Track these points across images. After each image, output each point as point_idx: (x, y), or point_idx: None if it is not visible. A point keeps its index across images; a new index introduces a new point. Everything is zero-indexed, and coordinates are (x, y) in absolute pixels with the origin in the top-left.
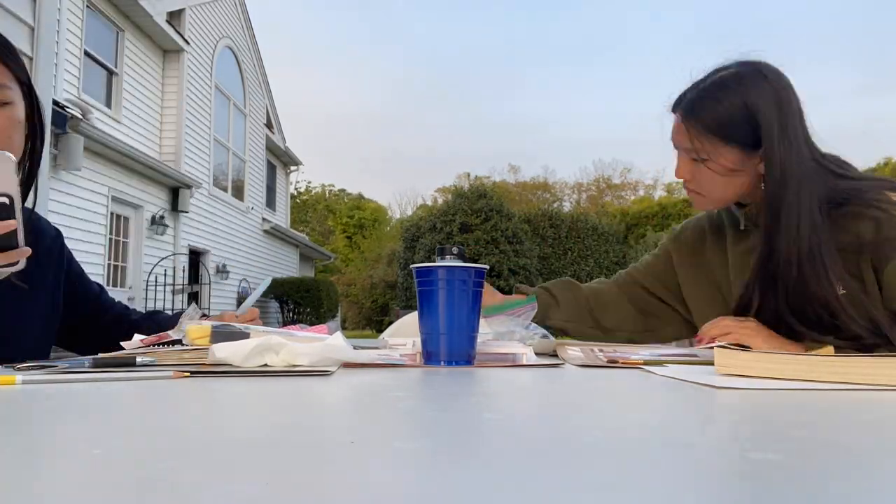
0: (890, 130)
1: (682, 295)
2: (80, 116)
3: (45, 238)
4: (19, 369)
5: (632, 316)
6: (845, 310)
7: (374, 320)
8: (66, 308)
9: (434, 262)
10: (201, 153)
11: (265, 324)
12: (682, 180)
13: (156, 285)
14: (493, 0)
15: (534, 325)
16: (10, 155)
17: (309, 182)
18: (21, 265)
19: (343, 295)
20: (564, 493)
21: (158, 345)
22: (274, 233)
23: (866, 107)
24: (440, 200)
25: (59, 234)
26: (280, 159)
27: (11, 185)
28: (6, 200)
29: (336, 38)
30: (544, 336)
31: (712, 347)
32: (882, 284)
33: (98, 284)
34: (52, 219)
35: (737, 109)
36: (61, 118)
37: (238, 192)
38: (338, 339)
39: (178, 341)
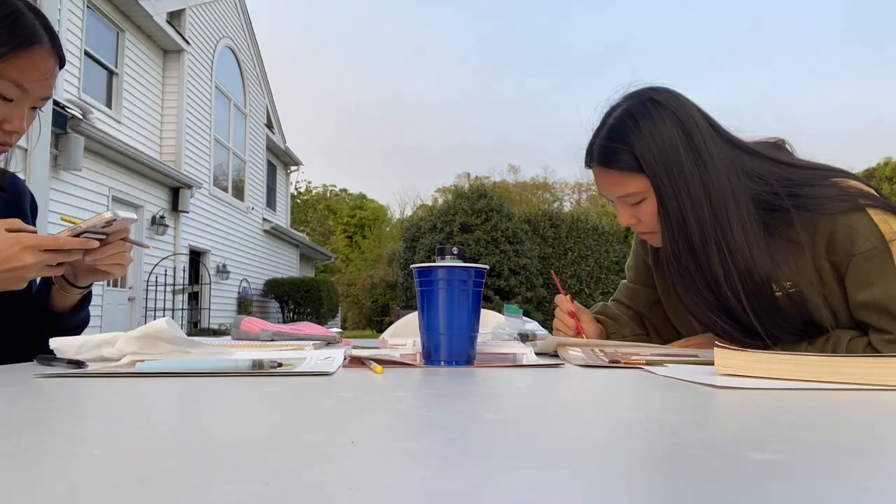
0: (890, 130)
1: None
2: (80, 116)
3: (24, 199)
4: (40, 360)
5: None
6: (791, 309)
7: (375, 320)
8: None
9: (434, 261)
10: (201, 153)
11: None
12: (631, 229)
13: (156, 285)
14: (497, 1)
15: (534, 323)
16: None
17: (309, 182)
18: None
19: (343, 295)
20: (564, 493)
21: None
22: (274, 233)
23: (867, 106)
24: (440, 200)
25: (34, 199)
26: (280, 159)
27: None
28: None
29: (337, 39)
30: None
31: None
32: (846, 287)
33: None
34: (53, 218)
35: (643, 144)
36: (61, 118)
37: (238, 192)
38: (160, 322)
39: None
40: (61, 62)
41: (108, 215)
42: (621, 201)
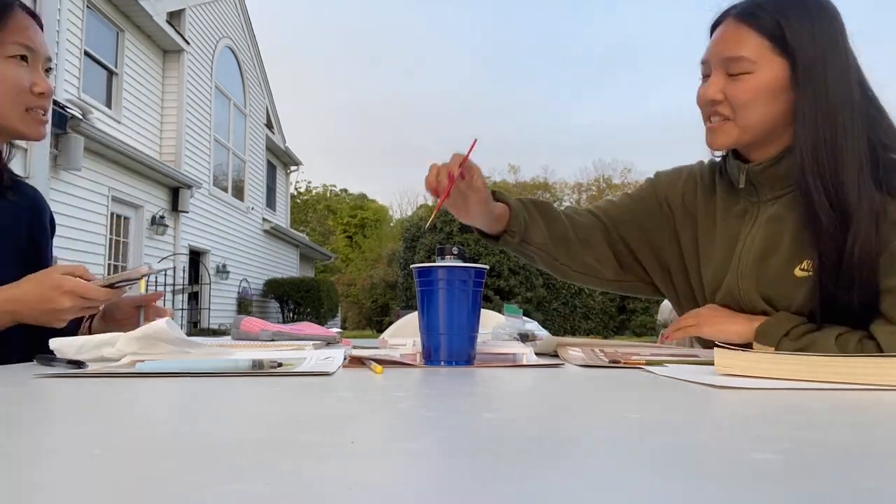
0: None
1: (658, 256)
2: (80, 116)
3: (45, 215)
4: (40, 360)
5: (610, 262)
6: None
7: (374, 320)
8: None
9: (434, 261)
10: (201, 153)
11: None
12: (707, 108)
13: (156, 285)
14: (498, 1)
15: (534, 323)
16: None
17: (309, 182)
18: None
19: (343, 295)
20: (564, 493)
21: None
22: (274, 233)
23: None
24: None
25: (52, 216)
26: (280, 159)
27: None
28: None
29: (337, 39)
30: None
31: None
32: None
33: None
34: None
35: (799, 18)
36: (61, 118)
37: (238, 192)
38: (160, 323)
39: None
40: (38, 21)
41: (144, 269)
42: (722, 67)
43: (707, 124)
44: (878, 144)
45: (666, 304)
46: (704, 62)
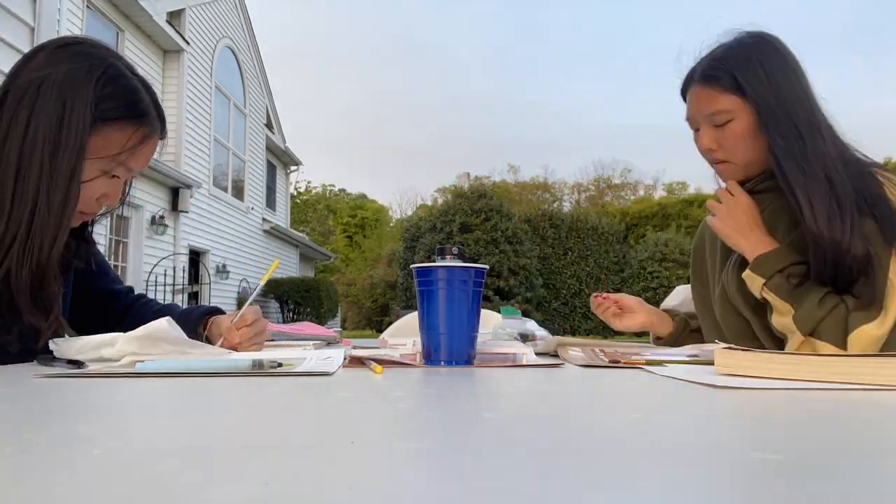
0: (890, 130)
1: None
2: None
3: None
4: (40, 361)
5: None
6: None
7: (374, 320)
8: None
9: (434, 261)
10: (201, 153)
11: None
12: (707, 155)
13: (156, 285)
14: (498, 2)
15: (533, 323)
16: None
17: (309, 182)
18: None
19: (343, 295)
20: (564, 493)
21: None
22: (274, 233)
23: (865, 106)
24: (440, 200)
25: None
26: (280, 159)
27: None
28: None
29: (337, 38)
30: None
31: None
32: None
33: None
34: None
35: (750, 64)
36: None
37: (238, 192)
38: (161, 322)
39: None
40: (165, 133)
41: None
42: (707, 122)
43: (713, 167)
44: (843, 156)
45: (676, 292)
46: (690, 119)
